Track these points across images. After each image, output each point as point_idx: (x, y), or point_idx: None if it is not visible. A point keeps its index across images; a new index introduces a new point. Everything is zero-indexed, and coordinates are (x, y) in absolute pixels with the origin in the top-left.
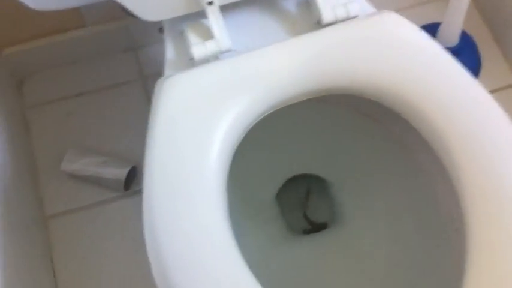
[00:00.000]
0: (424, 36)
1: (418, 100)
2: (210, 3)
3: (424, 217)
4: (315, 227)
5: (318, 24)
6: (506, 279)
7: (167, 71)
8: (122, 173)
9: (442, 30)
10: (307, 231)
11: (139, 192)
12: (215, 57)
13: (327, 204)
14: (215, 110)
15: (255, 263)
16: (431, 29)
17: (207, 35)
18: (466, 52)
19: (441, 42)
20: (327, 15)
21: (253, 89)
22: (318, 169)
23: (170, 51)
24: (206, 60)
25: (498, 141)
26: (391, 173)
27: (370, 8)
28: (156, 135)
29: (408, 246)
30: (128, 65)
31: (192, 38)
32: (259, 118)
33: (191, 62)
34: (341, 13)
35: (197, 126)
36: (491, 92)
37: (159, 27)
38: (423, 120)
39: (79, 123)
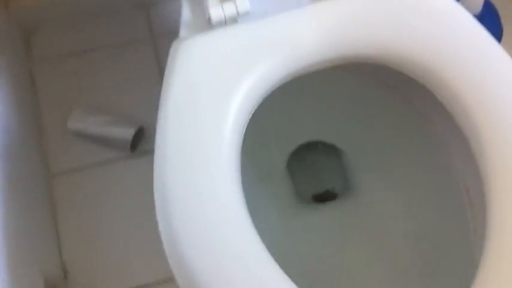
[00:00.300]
0: (450, 1)
1: (441, 69)
2: None
3: (440, 191)
4: (325, 196)
5: None
6: None
7: (183, 32)
8: (129, 132)
9: None
10: (317, 200)
11: (145, 153)
12: (233, 19)
13: (339, 174)
14: (233, 75)
15: (263, 230)
16: None
17: None
18: (488, 20)
19: None
20: None
21: (274, 55)
22: (332, 137)
23: (186, 12)
24: (223, 23)
25: None
26: (408, 144)
27: None
28: (172, 97)
29: (422, 220)
30: (138, 22)
31: None
32: (278, 85)
33: (208, 24)
34: None
35: (214, 90)
36: None
37: None
38: (447, 90)
39: (86, 81)
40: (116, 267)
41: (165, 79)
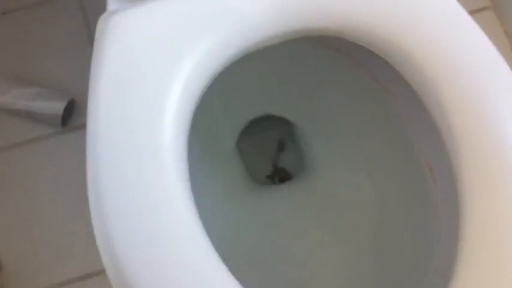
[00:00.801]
0: None
1: (406, 43)
2: None
3: (400, 164)
4: (281, 177)
5: None
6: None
7: (111, 3)
8: (58, 107)
9: None
10: (272, 182)
11: (78, 127)
12: None
13: (293, 152)
14: (173, 56)
15: (212, 214)
16: None
17: None
18: None
19: None
20: None
21: (219, 30)
22: (284, 110)
23: None
24: None
25: (492, 81)
26: (366, 116)
27: None
28: (102, 86)
29: (380, 195)
30: None
31: None
32: (226, 65)
33: None
34: None
35: (150, 76)
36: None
37: None
38: (411, 65)
39: (6, 48)
40: (53, 255)
41: (93, 60)
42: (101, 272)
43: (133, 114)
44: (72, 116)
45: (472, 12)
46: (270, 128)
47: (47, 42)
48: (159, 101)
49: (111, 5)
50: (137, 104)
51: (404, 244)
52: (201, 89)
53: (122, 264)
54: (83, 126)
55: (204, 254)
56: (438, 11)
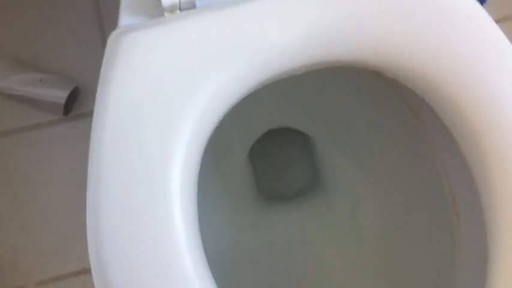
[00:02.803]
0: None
1: (443, 82)
2: None
3: (423, 194)
4: (291, 192)
5: None
6: None
7: (123, 18)
8: (61, 95)
9: None
10: (283, 196)
11: (80, 116)
12: (190, 3)
13: (308, 166)
14: (188, 86)
15: (222, 231)
16: None
17: None
18: None
19: None
20: None
21: (242, 59)
22: (301, 123)
23: None
24: (177, 8)
25: None
26: (391, 140)
27: None
28: (111, 113)
29: (397, 218)
30: None
31: None
32: (246, 94)
33: (157, 8)
34: None
35: (164, 106)
36: (497, 21)
37: None
38: (448, 105)
39: (9, 29)
40: (49, 249)
41: (101, 79)
42: None
43: (140, 150)
44: (76, 104)
45: (504, 19)
46: (284, 141)
47: (51, 23)
48: (169, 140)
49: (123, 20)
50: (146, 141)
51: (415, 271)
52: (217, 120)
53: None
54: (85, 115)
55: None
56: (478, 46)
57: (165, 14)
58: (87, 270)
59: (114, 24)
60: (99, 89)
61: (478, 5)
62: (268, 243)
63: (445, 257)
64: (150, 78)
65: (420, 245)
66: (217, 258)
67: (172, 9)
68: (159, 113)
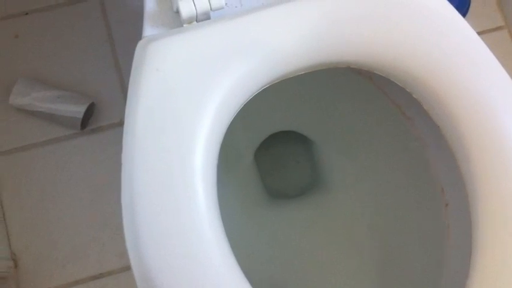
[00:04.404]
0: (443, 3)
1: (432, 79)
2: None
3: (414, 186)
4: (296, 191)
5: None
6: None
7: (147, 29)
8: (79, 110)
9: None
10: (287, 195)
11: (96, 130)
12: (205, 15)
13: (309, 166)
14: (205, 87)
15: (231, 229)
16: None
17: None
18: None
19: None
20: None
21: (251, 61)
22: (302, 127)
23: (150, 2)
24: (194, 19)
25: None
26: (385, 139)
27: None
28: (139, 113)
29: (393, 216)
30: None
31: None
32: (255, 93)
33: (176, 19)
34: None
35: (185, 105)
36: (479, 33)
37: None
38: (437, 102)
39: (29, 48)
40: (68, 255)
41: (131, 85)
42: (114, 272)
43: (168, 142)
44: (92, 118)
45: (487, 31)
46: (287, 143)
47: (68, 45)
48: (192, 130)
49: (147, 31)
50: (172, 131)
51: (413, 263)
52: (231, 116)
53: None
54: (100, 129)
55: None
56: (458, 43)
57: (184, 25)
58: (104, 275)
59: (124, 44)
60: (130, 90)
61: (456, 12)
62: (270, 237)
63: (436, 243)
64: (174, 78)
65: (414, 234)
66: None
67: (190, 20)
68: (184, 108)
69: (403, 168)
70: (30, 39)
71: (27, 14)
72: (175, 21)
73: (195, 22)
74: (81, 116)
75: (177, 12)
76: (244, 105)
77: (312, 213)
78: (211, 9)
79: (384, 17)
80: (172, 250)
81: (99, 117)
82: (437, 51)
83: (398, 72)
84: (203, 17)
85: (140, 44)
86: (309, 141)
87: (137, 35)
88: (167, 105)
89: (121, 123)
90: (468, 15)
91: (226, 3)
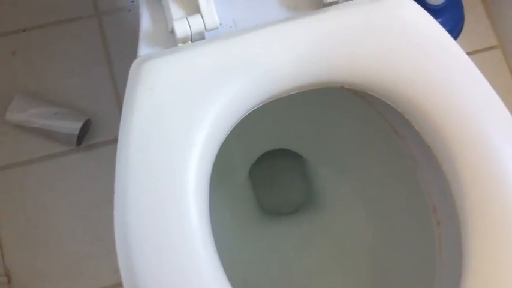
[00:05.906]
0: (421, 14)
1: (423, 100)
2: None
3: (406, 204)
4: (290, 208)
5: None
6: None
7: (142, 48)
8: (75, 127)
9: None
10: (281, 213)
11: (91, 147)
12: (200, 35)
13: (302, 184)
14: (199, 106)
15: (225, 247)
16: None
17: (191, 5)
18: (451, 10)
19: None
20: None
21: (245, 81)
22: (296, 145)
23: (146, 22)
24: (189, 39)
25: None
26: (377, 157)
27: None
28: (133, 132)
29: (386, 233)
30: None
31: (174, 10)
32: (249, 112)
33: (171, 38)
34: None
35: (178, 124)
36: (473, 52)
37: None
38: (427, 122)
39: (26, 64)
40: (63, 271)
41: (125, 103)
42: None
43: (160, 160)
44: (87, 135)
45: (480, 51)
46: (282, 160)
47: (65, 62)
48: (184, 149)
49: (142, 51)
50: (164, 150)
51: (406, 281)
52: (224, 135)
53: None
54: (96, 146)
55: None
56: (448, 66)
57: (179, 45)
58: None
59: (121, 62)
60: (124, 108)
61: (444, 31)
62: (264, 254)
63: (429, 261)
64: (167, 98)
65: (407, 252)
66: None
67: (185, 40)
68: (176, 127)
69: (396, 186)
70: (28, 56)
71: (24, 30)
72: (170, 40)
73: (189, 42)
74: (77, 132)
75: (172, 32)
76: (239, 122)
77: (305, 230)
78: (205, 29)
79: (377, 41)
80: (163, 267)
81: (95, 133)
82: (428, 74)
83: (389, 93)
84: (198, 37)
85: (135, 63)
86: (303, 159)
87: (134, 53)
88: (160, 124)
89: (116, 140)
90: (461, 34)
91: (220, 24)
